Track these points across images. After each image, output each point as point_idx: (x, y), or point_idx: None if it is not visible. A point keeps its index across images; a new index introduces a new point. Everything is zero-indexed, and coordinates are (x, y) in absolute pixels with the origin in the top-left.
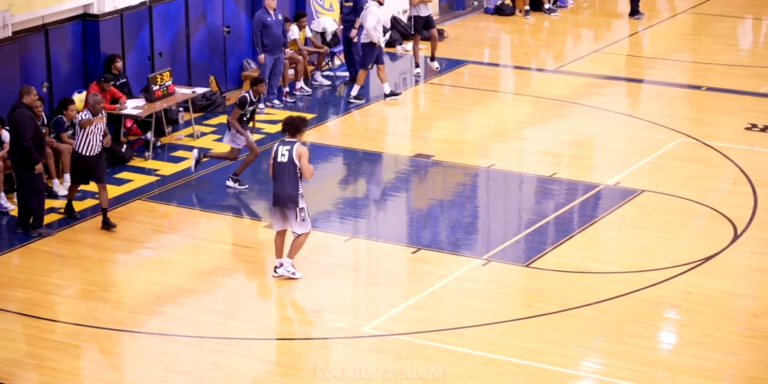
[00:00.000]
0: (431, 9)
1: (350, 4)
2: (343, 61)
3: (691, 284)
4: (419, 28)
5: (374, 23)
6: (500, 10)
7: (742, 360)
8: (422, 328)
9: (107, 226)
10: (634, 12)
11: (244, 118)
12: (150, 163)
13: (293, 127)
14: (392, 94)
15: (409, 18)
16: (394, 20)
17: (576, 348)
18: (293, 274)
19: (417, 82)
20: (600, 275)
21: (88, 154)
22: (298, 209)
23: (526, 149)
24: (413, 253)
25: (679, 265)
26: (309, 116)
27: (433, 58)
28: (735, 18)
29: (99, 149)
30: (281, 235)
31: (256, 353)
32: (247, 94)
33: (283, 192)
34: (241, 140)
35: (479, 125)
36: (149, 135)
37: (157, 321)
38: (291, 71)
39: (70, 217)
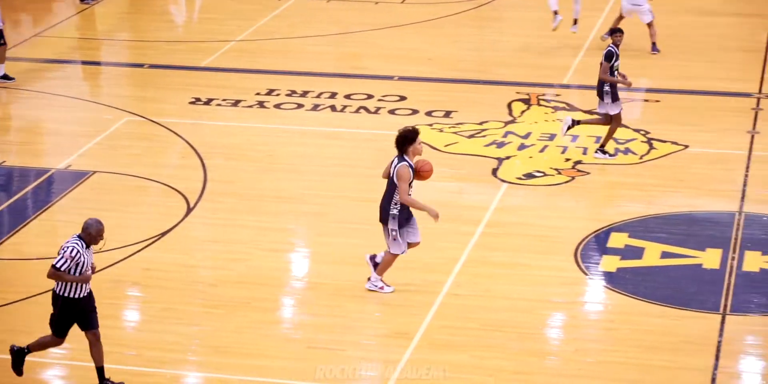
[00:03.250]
0: None
1: None
2: None
3: (150, 260)
4: None
5: None
6: None
7: (204, 330)
8: None
9: None
10: None
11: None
12: None
13: (397, 143)
14: (5, 77)
15: None
16: None
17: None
18: (381, 288)
19: None
20: None
21: (80, 295)
22: (389, 229)
23: None
24: None
25: (136, 243)
26: None
27: None
28: None
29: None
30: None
31: None
32: (611, 48)
33: (381, 205)
34: (615, 108)
35: None
36: None
37: None
38: None
39: None
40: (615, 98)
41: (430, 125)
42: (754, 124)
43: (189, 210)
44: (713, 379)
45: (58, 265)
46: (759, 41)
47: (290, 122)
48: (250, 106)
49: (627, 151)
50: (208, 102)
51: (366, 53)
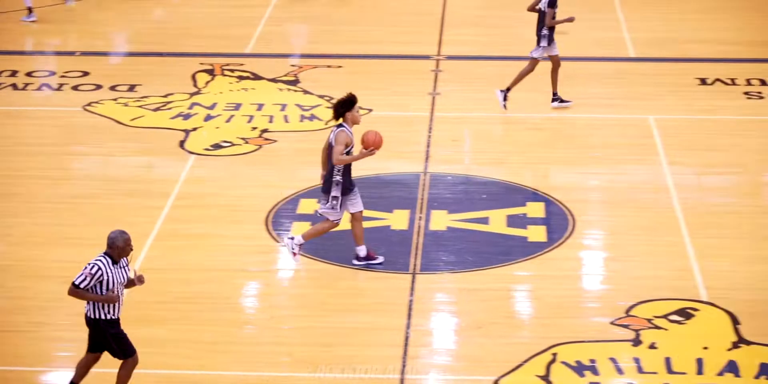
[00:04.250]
0: None
1: None
2: None
3: None
4: None
5: None
6: None
7: None
8: None
9: None
10: None
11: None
12: None
13: (335, 109)
14: None
15: None
16: None
17: None
18: (294, 254)
19: None
20: None
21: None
22: (331, 196)
23: None
24: None
25: None
26: None
27: None
28: None
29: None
30: (353, 219)
31: None
32: None
33: (325, 175)
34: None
35: None
36: None
37: None
38: None
39: None
40: (551, 41)
41: (115, 100)
42: (435, 86)
43: None
44: (406, 338)
45: (76, 282)
46: (435, 4)
47: None
48: None
49: (312, 117)
50: None
51: (46, 29)
